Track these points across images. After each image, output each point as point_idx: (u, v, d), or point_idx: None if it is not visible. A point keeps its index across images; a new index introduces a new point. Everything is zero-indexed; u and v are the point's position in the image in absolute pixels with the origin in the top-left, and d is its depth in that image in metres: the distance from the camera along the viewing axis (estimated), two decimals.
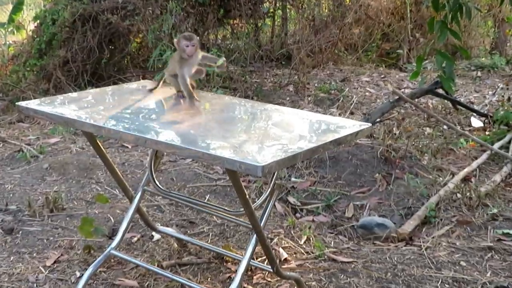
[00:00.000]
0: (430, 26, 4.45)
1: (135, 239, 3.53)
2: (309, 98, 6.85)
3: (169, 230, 3.51)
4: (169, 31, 6.56)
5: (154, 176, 3.03)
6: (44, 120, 5.66)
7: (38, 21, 7.18)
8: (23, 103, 2.84)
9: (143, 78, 6.53)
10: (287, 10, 9.16)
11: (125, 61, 7.66)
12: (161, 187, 3.09)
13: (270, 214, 3.82)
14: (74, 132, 5.49)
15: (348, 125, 2.70)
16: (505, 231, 3.66)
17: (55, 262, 3.23)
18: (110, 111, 2.78)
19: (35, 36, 7.06)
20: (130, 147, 5.14)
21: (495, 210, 3.90)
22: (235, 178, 2.49)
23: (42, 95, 6.31)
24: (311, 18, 8.69)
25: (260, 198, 2.84)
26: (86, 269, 2.96)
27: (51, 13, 6.91)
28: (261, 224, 2.72)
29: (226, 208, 3.36)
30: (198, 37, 2.93)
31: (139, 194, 3.07)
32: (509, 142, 5.17)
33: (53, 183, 4.30)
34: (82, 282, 2.88)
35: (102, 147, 3.05)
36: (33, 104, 2.84)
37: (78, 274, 3.12)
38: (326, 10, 9.27)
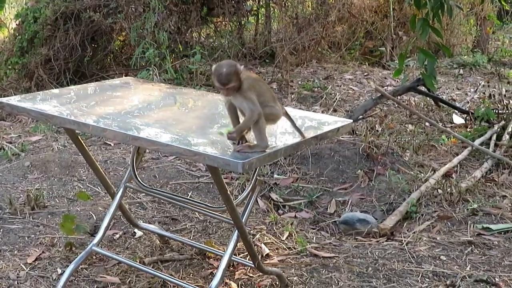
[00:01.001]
0: (412, 24, 4.47)
1: (117, 236, 3.53)
2: (292, 96, 6.87)
3: (151, 226, 3.52)
4: (152, 29, 6.55)
5: (136, 172, 3.03)
6: (25, 117, 5.64)
7: (19, 19, 7.13)
8: (3, 100, 2.83)
9: (126, 76, 6.52)
10: (271, 8, 9.17)
11: (108, 59, 7.63)
12: (143, 183, 3.09)
13: (252, 210, 3.85)
14: (56, 130, 5.47)
15: (330, 121, 2.73)
16: (485, 225, 3.70)
17: (36, 259, 3.22)
18: (92, 107, 2.78)
19: (17, 34, 7.01)
20: (112, 144, 5.13)
21: (475, 205, 3.93)
22: (216, 174, 2.51)
23: (24, 93, 6.26)
24: (294, 16, 8.71)
25: (242, 194, 2.85)
26: (68, 266, 2.96)
27: (33, 11, 6.87)
28: (243, 220, 2.73)
29: (208, 204, 3.37)
30: (237, 72, 2.29)
31: (121, 190, 3.06)
32: (489, 139, 5.22)
33: (35, 181, 4.28)
34: (63, 278, 2.88)
35: (83, 144, 3.05)
36: (14, 100, 2.83)
37: (59, 271, 3.11)
38: (310, 8, 9.28)
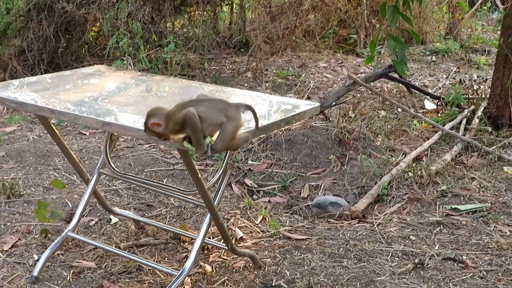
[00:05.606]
0: (382, 11, 4.53)
1: (93, 222, 3.57)
2: (267, 84, 6.92)
3: (126, 212, 3.56)
4: (125, 19, 6.56)
5: (109, 158, 3.06)
6: None
7: None
8: None
9: None
10: None
11: (83, 50, 7.61)
12: (116, 169, 3.13)
13: (227, 196, 3.91)
14: (31, 121, 5.47)
15: (300, 105, 2.79)
16: (453, 206, 3.80)
17: (12, 246, 3.26)
18: (65, 94, 2.82)
19: None
20: (87, 134, 5.15)
21: (444, 187, 4.03)
22: (187, 158, 2.56)
23: None
24: (268, 5, 8.74)
25: (214, 177, 2.90)
26: (44, 252, 3.00)
27: (6, 2, 6.83)
28: (215, 203, 2.78)
29: (182, 189, 3.41)
30: None
31: (95, 177, 3.10)
32: (460, 123, 5.34)
33: (10, 171, 4.29)
34: (40, 264, 2.92)
35: (57, 132, 3.08)
36: None
37: (36, 257, 3.15)
38: None
